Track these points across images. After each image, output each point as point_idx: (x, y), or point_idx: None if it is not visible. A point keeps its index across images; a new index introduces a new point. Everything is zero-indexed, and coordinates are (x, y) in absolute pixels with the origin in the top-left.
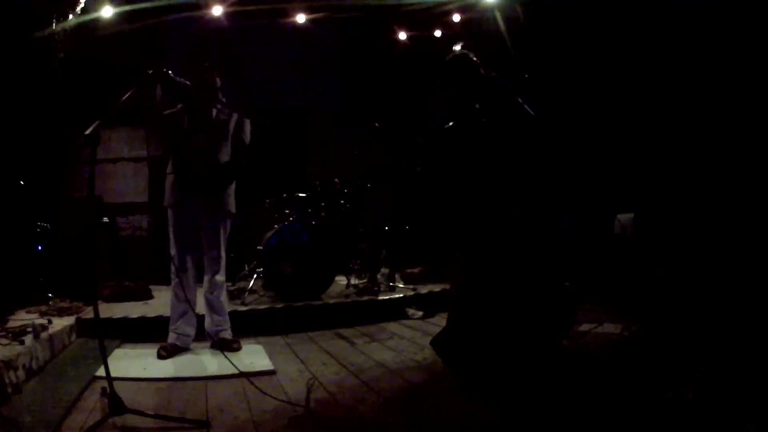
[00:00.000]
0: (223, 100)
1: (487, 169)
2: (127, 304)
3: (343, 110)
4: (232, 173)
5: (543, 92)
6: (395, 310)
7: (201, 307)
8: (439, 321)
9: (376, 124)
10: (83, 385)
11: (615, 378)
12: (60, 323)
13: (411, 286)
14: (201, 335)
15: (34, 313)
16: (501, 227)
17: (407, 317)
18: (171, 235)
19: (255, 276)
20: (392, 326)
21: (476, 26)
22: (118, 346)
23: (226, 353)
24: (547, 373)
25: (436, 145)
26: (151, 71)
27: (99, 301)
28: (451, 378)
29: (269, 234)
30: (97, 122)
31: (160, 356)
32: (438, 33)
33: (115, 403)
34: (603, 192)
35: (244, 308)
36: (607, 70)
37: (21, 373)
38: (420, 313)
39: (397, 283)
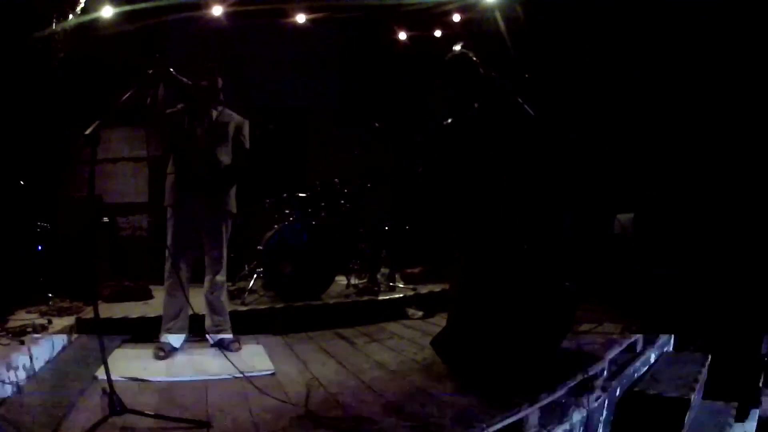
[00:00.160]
0: (223, 100)
1: (487, 169)
2: (127, 304)
3: (343, 110)
4: (232, 175)
5: (543, 92)
6: (395, 310)
7: (201, 307)
8: (439, 321)
9: (376, 124)
10: (83, 385)
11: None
12: (60, 323)
13: (411, 286)
14: (201, 335)
15: (34, 313)
16: (500, 227)
17: (407, 317)
18: (169, 235)
19: (255, 276)
20: (392, 326)
21: (476, 26)
22: (118, 346)
23: (226, 353)
24: (547, 373)
25: (435, 144)
26: (151, 71)
27: (99, 301)
28: (451, 378)
29: (269, 234)
30: (97, 122)
31: (157, 356)
32: (438, 33)
33: (115, 403)
34: (603, 192)
35: (244, 308)
36: (607, 70)
37: (21, 373)
38: (420, 313)
39: (397, 283)
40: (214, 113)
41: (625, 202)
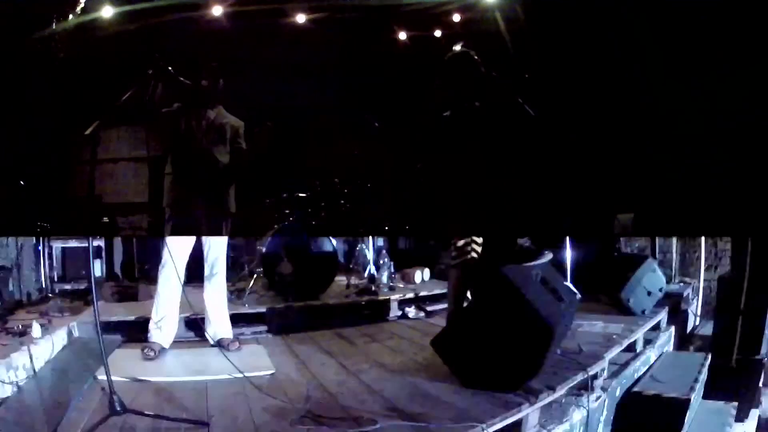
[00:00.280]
0: (222, 101)
1: (487, 169)
2: (126, 304)
3: (343, 110)
4: (230, 175)
5: (543, 92)
6: (395, 310)
7: (201, 307)
8: (439, 321)
9: (376, 124)
10: (83, 385)
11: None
12: (60, 323)
13: (411, 286)
14: (201, 335)
15: (34, 313)
16: (500, 227)
17: (407, 317)
18: (167, 235)
19: (255, 276)
20: (392, 326)
21: (476, 26)
22: (118, 346)
23: (227, 353)
24: (547, 373)
25: (434, 137)
26: (151, 71)
27: (99, 301)
28: (451, 378)
29: (269, 234)
30: (97, 122)
31: (146, 357)
32: (438, 33)
33: (115, 403)
34: (603, 192)
35: (244, 308)
36: (607, 70)
37: (21, 373)
38: (420, 314)
39: (397, 283)
40: (212, 114)
41: (625, 202)
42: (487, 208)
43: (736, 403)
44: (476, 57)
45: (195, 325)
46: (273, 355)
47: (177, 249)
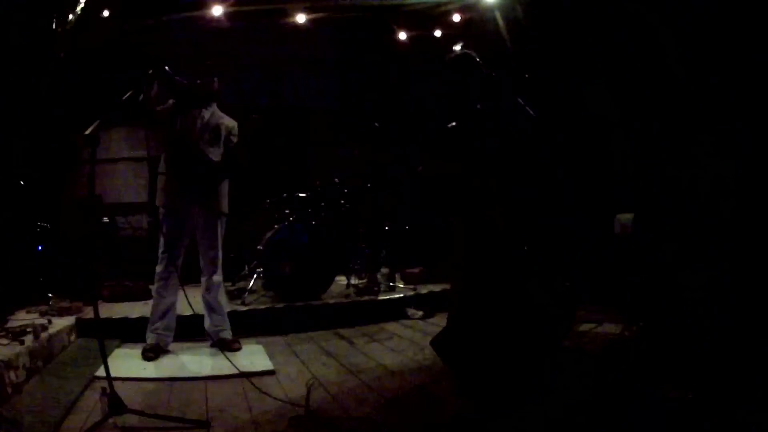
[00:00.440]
0: (216, 100)
1: (488, 170)
2: (127, 304)
3: (343, 110)
4: (223, 172)
5: (543, 92)
6: (395, 310)
7: (199, 307)
8: (439, 321)
9: (376, 124)
10: (83, 385)
11: (615, 378)
12: (60, 323)
13: (411, 286)
14: (201, 335)
15: (34, 313)
16: (501, 227)
17: (407, 317)
18: (162, 235)
19: (255, 276)
20: (392, 326)
21: (476, 26)
22: (118, 346)
23: (226, 353)
24: (547, 372)
25: (437, 145)
26: (151, 71)
27: (99, 301)
28: (451, 378)
29: (269, 234)
30: (97, 122)
31: (146, 357)
32: (438, 33)
33: (115, 403)
34: (603, 192)
35: (244, 308)
36: (607, 70)
37: (21, 373)
38: (420, 313)
39: (397, 283)
40: (206, 113)
41: (625, 202)
42: (488, 208)
43: None
44: (477, 57)
45: (195, 325)
46: (273, 355)
47: (172, 248)
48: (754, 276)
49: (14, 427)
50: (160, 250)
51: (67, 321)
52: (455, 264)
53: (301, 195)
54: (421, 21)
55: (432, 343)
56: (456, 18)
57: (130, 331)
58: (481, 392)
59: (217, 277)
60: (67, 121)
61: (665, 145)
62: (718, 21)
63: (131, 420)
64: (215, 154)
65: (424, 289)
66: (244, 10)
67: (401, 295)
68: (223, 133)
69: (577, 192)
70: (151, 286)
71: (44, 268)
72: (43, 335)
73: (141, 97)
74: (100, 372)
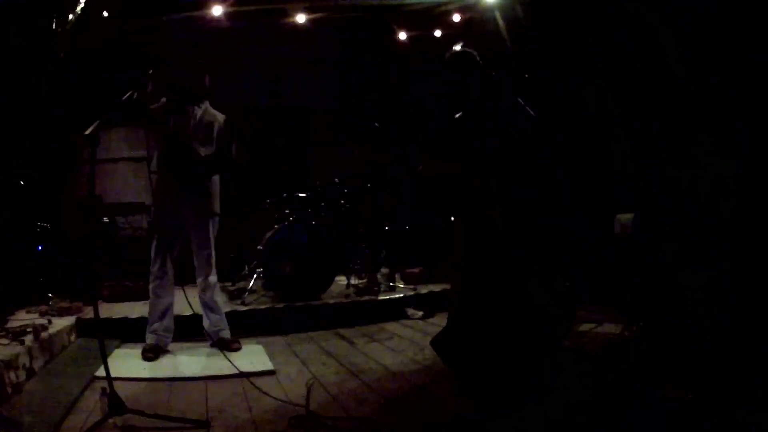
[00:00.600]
0: (208, 98)
1: (488, 170)
2: (127, 304)
3: (343, 110)
4: (212, 165)
5: (543, 92)
6: (395, 310)
7: (197, 308)
8: (439, 321)
9: (376, 124)
10: (83, 385)
11: (615, 378)
12: (60, 323)
13: (411, 286)
14: (200, 335)
15: (34, 313)
16: (500, 227)
17: (407, 317)
18: (155, 235)
19: (255, 276)
20: (392, 326)
21: (476, 26)
22: (118, 346)
23: (226, 353)
24: (547, 372)
25: (437, 145)
26: (151, 71)
27: (99, 301)
28: (451, 378)
29: (269, 234)
30: (97, 122)
31: (146, 358)
32: (438, 33)
33: (115, 403)
34: (603, 192)
35: (244, 308)
36: (607, 70)
37: (21, 373)
38: (420, 313)
39: (397, 283)
40: (198, 111)
41: (625, 202)
42: (488, 208)
43: None
44: (477, 57)
45: (194, 325)
46: (273, 355)
47: (164, 247)
48: (754, 276)
49: (14, 427)
50: (153, 249)
51: (67, 321)
52: (455, 264)
53: (301, 195)
54: (421, 21)
55: (432, 343)
56: (456, 18)
57: (130, 331)
58: (481, 392)
59: (213, 278)
60: (67, 121)
61: (665, 145)
62: (718, 21)
63: (131, 420)
64: (208, 152)
65: (424, 289)
66: (244, 10)
67: (401, 295)
68: (216, 129)
69: (577, 192)
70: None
71: (44, 268)
72: (43, 335)
73: (135, 95)
74: (100, 372)
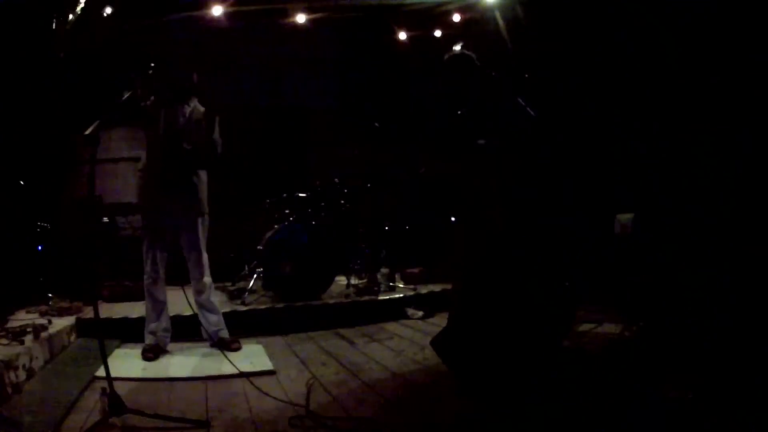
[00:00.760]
0: (196, 95)
1: (488, 170)
2: (127, 304)
3: (343, 110)
4: (196, 157)
5: (543, 92)
6: (395, 310)
7: (194, 308)
8: (439, 321)
9: (376, 124)
10: (83, 385)
11: (615, 378)
12: (60, 323)
13: (411, 286)
14: (200, 335)
15: (34, 313)
16: (500, 227)
17: (407, 317)
18: (145, 235)
19: (255, 276)
20: (392, 326)
21: (476, 26)
22: (118, 346)
23: (226, 353)
24: (547, 372)
25: (437, 145)
26: (150, 71)
27: (99, 301)
28: (451, 378)
29: (269, 234)
30: (97, 122)
31: (146, 358)
32: (438, 33)
33: (115, 403)
34: (603, 192)
35: (244, 308)
36: (607, 70)
37: (21, 373)
38: (420, 313)
39: (397, 283)
40: (188, 109)
41: (625, 202)
42: (488, 208)
43: None
44: (475, 57)
45: (194, 325)
46: (273, 355)
47: (156, 248)
48: (754, 276)
49: (14, 427)
50: (144, 249)
51: (67, 321)
52: (455, 264)
53: (301, 195)
54: (421, 21)
55: (432, 343)
56: (456, 18)
57: (130, 331)
58: (481, 392)
59: (207, 278)
60: (67, 121)
61: (665, 145)
62: (718, 21)
63: (131, 420)
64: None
65: (424, 289)
66: (244, 10)
67: (401, 295)
68: (203, 124)
69: (577, 192)
70: None
71: (44, 268)
72: (43, 335)
73: (127, 94)
74: (100, 372)
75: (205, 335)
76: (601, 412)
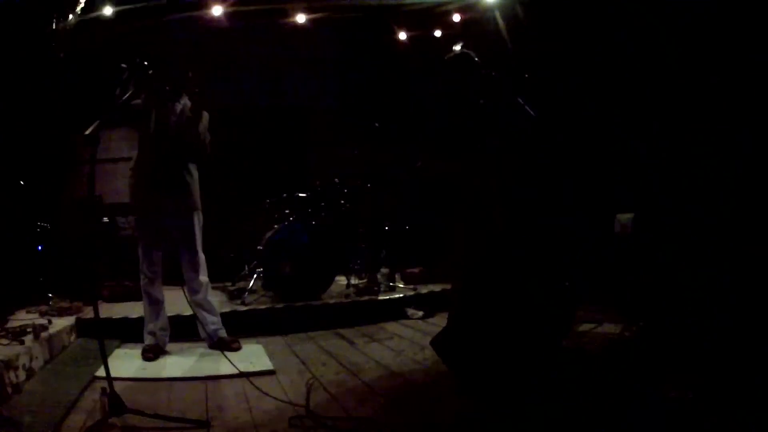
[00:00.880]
0: (188, 93)
1: (488, 170)
2: (127, 304)
3: (343, 110)
4: (189, 156)
5: (543, 92)
6: (395, 310)
7: (191, 308)
8: (439, 321)
9: (376, 124)
10: (83, 385)
11: (615, 378)
12: (60, 323)
13: (411, 286)
14: (199, 335)
15: (34, 313)
16: (500, 227)
17: (407, 317)
18: (139, 235)
19: (255, 276)
20: (392, 326)
21: (476, 26)
22: (118, 346)
23: (226, 353)
24: (547, 372)
25: (437, 144)
26: (124, 65)
27: (99, 301)
28: (451, 378)
29: (269, 234)
30: (97, 122)
31: (146, 358)
32: (438, 33)
33: (115, 403)
34: (603, 192)
35: (244, 308)
36: (607, 70)
37: (21, 373)
38: (420, 313)
39: (397, 283)
40: (178, 106)
41: (626, 202)
42: (488, 208)
43: None
44: (476, 58)
45: (194, 325)
46: (273, 355)
47: (151, 247)
48: (754, 276)
49: (14, 427)
50: (140, 249)
51: (67, 321)
52: (455, 264)
53: (301, 195)
54: (421, 21)
55: (432, 343)
56: (456, 18)
57: (130, 331)
58: (481, 392)
59: (203, 277)
60: (67, 121)
61: (665, 145)
62: (718, 21)
63: (131, 420)
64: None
65: (424, 289)
66: (244, 10)
67: (401, 295)
68: (193, 120)
69: (577, 192)
70: None
71: (44, 268)
72: (43, 335)
73: (118, 91)
74: (100, 372)
75: (203, 335)
76: (601, 412)
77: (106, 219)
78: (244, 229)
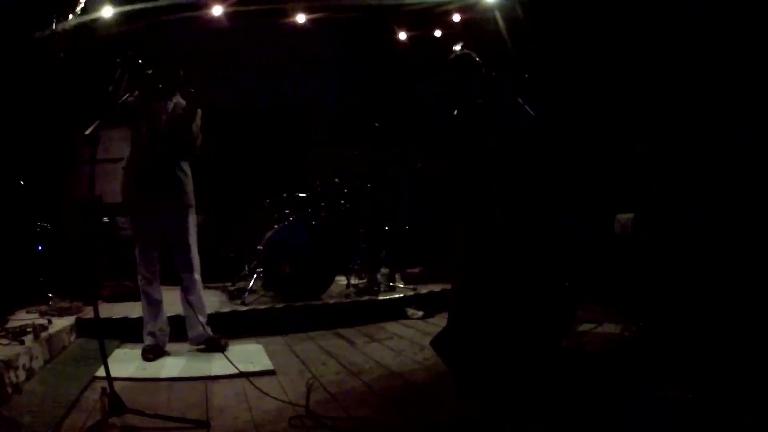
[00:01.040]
0: (180, 91)
1: (488, 170)
2: (127, 304)
3: (343, 110)
4: (181, 153)
5: (543, 92)
6: (395, 310)
7: (181, 307)
8: (439, 321)
9: (376, 124)
10: (83, 385)
11: (615, 378)
12: (60, 323)
13: (411, 286)
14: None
15: (34, 313)
16: (500, 227)
17: (407, 317)
18: (134, 234)
19: (255, 276)
20: (392, 326)
21: (476, 26)
22: (118, 346)
23: (226, 353)
24: (547, 372)
25: (437, 144)
26: (119, 59)
27: (99, 301)
28: (451, 378)
29: (269, 234)
30: (97, 122)
31: (146, 359)
32: (438, 33)
33: (115, 403)
34: (603, 192)
35: (244, 308)
36: (607, 70)
37: (21, 373)
38: (420, 313)
39: (397, 283)
40: (170, 105)
41: (626, 202)
42: (488, 208)
43: None
44: (477, 59)
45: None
46: (273, 355)
47: (148, 248)
48: (754, 276)
49: (14, 427)
50: (137, 250)
51: (67, 321)
52: (455, 264)
53: (301, 195)
54: (421, 21)
55: (432, 343)
56: (456, 18)
57: (130, 331)
58: (481, 392)
59: (197, 276)
60: (67, 121)
61: (665, 145)
62: (718, 21)
63: (131, 420)
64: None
65: (424, 289)
66: (244, 10)
67: (401, 295)
68: (185, 118)
69: (577, 192)
70: None
71: (44, 268)
72: (43, 335)
73: (111, 88)
74: (100, 372)
75: (191, 334)
76: (601, 412)
77: (106, 219)
78: (244, 229)
